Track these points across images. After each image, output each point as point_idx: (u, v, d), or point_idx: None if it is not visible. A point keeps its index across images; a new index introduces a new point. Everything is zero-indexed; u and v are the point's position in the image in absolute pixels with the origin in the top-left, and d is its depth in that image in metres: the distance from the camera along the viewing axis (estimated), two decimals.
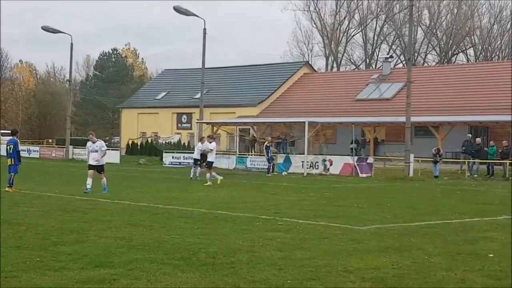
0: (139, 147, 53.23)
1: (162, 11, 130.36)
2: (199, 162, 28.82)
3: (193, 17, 39.81)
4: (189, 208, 16.08)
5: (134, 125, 59.19)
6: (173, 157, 42.54)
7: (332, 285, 7.90)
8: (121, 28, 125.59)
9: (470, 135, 35.54)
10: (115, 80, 79.09)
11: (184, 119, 56.69)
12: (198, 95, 44.82)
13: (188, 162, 40.52)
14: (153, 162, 43.88)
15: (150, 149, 51.29)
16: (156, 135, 55.77)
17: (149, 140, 54.41)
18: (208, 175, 25.34)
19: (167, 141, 52.75)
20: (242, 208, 16.31)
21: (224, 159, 39.68)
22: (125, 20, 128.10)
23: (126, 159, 46.61)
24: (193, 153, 40.63)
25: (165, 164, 41.81)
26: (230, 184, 25.72)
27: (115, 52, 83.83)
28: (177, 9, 39.20)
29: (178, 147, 49.58)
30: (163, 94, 60.50)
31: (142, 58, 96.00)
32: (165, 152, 43.99)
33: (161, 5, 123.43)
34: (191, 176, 28.69)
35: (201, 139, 30.21)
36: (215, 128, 47.32)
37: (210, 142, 26.90)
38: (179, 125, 57.20)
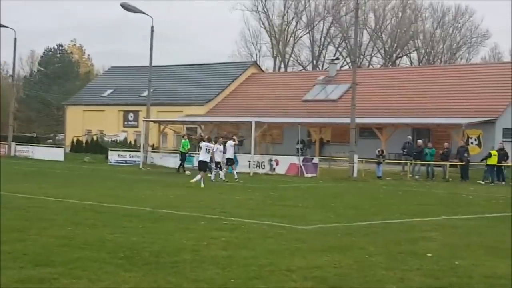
0: (84, 145, 52.50)
1: (110, 8, 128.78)
2: (220, 165, 27.94)
3: (142, 15, 39.49)
4: (134, 206, 15.98)
5: (79, 122, 58.34)
6: (118, 155, 42.11)
7: (274, 284, 7.99)
8: (68, 25, 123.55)
9: (410, 137, 36.29)
10: (60, 76, 77.70)
11: (131, 117, 56.18)
12: (145, 93, 44.49)
13: (134, 161, 40.24)
14: (98, 160, 43.35)
15: (95, 147, 50.64)
16: (102, 133, 55.10)
17: (95, 137, 53.72)
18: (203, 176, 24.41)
19: (113, 139, 52.17)
20: (187, 207, 16.29)
21: (171, 157, 39.50)
22: (73, 16, 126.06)
23: (71, 157, 45.92)
24: (139, 151, 40.67)
25: (110, 162, 41.37)
26: (176, 183, 25.63)
27: (60, 48, 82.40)
28: (124, 6, 38.81)
29: (124, 145, 49.10)
30: (109, 91, 59.81)
31: (89, 55, 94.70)
32: (111, 150, 43.51)
33: (110, 3, 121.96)
34: (213, 178, 27.84)
35: (217, 141, 29.61)
36: (162, 127, 47.07)
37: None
38: (125, 123, 56.64)
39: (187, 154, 34.56)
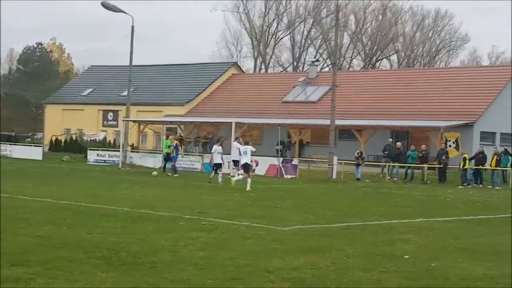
0: (62, 144, 52.12)
1: (91, 7, 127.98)
2: (217, 167, 27.46)
3: (122, 14, 39.31)
4: (112, 206, 15.92)
5: (58, 121, 57.89)
6: (98, 155, 41.85)
7: (252, 285, 8.00)
8: (48, 23, 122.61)
9: (391, 139, 36.49)
10: (40, 75, 77.10)
11: (111, 116, 55.88)
12: (125, 93, 44.27)
13: (113, 160, 40.02)
14: (77, 160, 43.07)
15: (74, 146, 50.28)
16: (81, 132, 54.74)
17: (74, 137, 53.35)
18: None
19: (92, 138, 51.86)
20: (166, 207, 16.25)
21: (150, 158, 39.34)
22: (53, 15, 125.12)
23: (49, 156, 45.57)
24: (118, 151, 40.47)
25: (89, 161, 41.12)
26: (155, 183, 25.57)
27: (40, 46, 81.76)
28: (105, 5, 38.62)
29: (103, 144, 48.80)
30: (89, 90, 59.43)
31: (68, 54, 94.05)
32: (90, 149, 43.26)
33: (90, 2, 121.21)
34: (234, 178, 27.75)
35: (236, 139, 29.40)
36: (141, 127, 46.87)
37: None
38: (105, 122, 56.32)
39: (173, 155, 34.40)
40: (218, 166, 27.32)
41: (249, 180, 23.61)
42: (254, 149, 25.50)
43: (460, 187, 30.05)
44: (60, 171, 32.02)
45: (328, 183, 30.41)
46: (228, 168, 29.20)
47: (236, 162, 28.10)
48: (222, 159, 27.51)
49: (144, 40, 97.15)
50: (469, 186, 30.26)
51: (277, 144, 39.82)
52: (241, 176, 24.34)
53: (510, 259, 10.27)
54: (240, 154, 25.52)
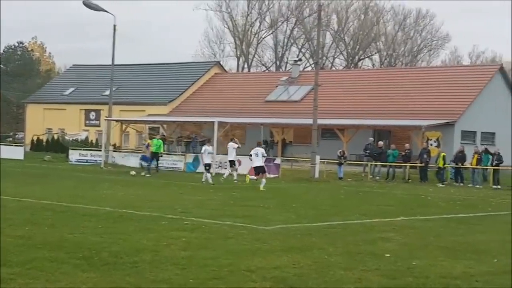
0: (44, 144, 51.80)
1: (72, 6, 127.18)
2: (208, 167, 27.44)
3: (104, 14, 39.13)
4: (94, 206, 15.86)
5: (40, 120, 57.51)
6: (79, 154, 41.67)
7: (234, 284, 8.02)
8: (29, 22, 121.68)
9: (372, 138, 36.65)
10: (21, 74, 76.52)
11: (93, 116, 55.62)
12: (107, 92, 44.08)
13: (95, 160, 39.84)
14: (58, 159, 42.84)
15: (56, 146, 49.99)
16: (63, 132, 54.42)
17: (55, 136, 53.02)
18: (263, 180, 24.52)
19: (74, 138, 51.57)
20: (148, 207, 16.22)
21: (132, 157, 39.19)
22: (34, 14, 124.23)
23: (30, 156, 45.28)
24: (100, 150, 40.27)
25: (71, 161, 40.91)
26: (138, 183, 25.50)
27: (21, 45, 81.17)
28: (87, 4, 38.42)
29: (85, 144, 48.56)
30: (71, 90, 59.10)
31: (50, 53, 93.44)
32: (72, 149, 43.04)
33: (72, 1, 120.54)
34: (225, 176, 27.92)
35: (232, 139, 29.66)
36: (124, 126, 46.70)
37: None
38: (87, 122, 56.05)
39: (160, 155, 34.33)
40: (208, 166, 27.34)
41: (263, 180, 24.20)
42: (264, 152, 25.75)
43: (441, 185, 30.26)
44: (42, 171, 31.82)
45: (311, 182, 30.49)
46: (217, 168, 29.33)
47: (232, 163, 28.32)
48: (212, 159, 27.77)
49: (127, 39, 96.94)
50: (443, 185, 30.33)
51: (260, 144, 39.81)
52: (254, 177, 25.02)
53: (489, 257, 10.39)
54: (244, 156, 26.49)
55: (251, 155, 25.26)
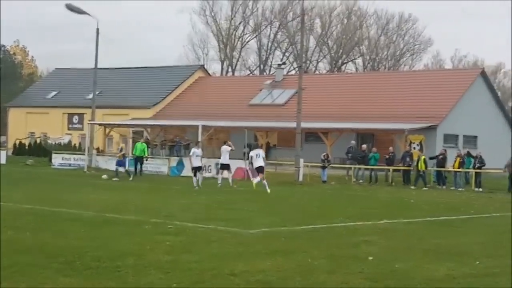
0: (27, 148, 51.46)
1: (55, 9, 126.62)
2: (196, 171, 26.47)
3: (88, 17, 38.97)
4: (77, 210, 15.77)
5: (22, 124, 57.15)
6: (62, 158, 41.43)
7: None
8: (11, 25, 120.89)
9: (353, 141, 36.79)
10: (3, 77, 76.00)
11: (76, 119, 55.36)
12: (91, 96, 43.90)
13: (79, 164, 39.61)
14: (41, 163, 42.57)
15: (38, 150, 49.69)
16: (46, 136, 54.09)
17: (38, 140, 52.69)
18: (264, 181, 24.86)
19: (57, 142, 51.28)
20: (132, 211, 16.16)
21: (116, 161, 38.96)
22: (16, 16, 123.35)
23: (13, 160, 44.94)
24: (84, 154, 40.06)
25: (54, 165, 40.67)
26: (122, 187, 25.39)
27: (2, 48, 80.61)
28: (69, 7, 38.24)
29: (68, 148, 48.28)
30: (53, 93, 58.79)
31: (32, 56, 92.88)
32: (54, 153, 42.78)
33: (54, 3, 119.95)
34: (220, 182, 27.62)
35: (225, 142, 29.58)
36: (107, 130, 46.51)
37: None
38: (70, 125, 55.79)
39: (145, 159, 34.23)
40: (197, 169, 26.58)
41: (265, 182, 24.52)
42: (263, 153, 26.60)
43: (424, 188, 30.38)
44: (24, 175, 31.58)
45: (295, 185, 30.52)
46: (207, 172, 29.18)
47: (226, 166, 28.24)
48: (201, 161, 27.00)
49: (110, 43, 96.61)
50: (414, 187, 30.40)
51: (244, 147, 39.84)
52: (258, 179, 25.21)
53: (471, 260, 10.46)
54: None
55: (251, 157, 25.75)
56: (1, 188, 20.09)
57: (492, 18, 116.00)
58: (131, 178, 30.65)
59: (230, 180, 27.86)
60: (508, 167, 30.28)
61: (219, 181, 27.72)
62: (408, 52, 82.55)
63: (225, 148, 28.54)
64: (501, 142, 43.07)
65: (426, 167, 31.45)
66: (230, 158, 28.80)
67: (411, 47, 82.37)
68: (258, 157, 25.42)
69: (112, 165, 38.24)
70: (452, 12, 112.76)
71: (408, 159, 32.33)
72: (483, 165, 31.07)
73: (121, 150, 33.11)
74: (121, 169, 31.86)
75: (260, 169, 25.40)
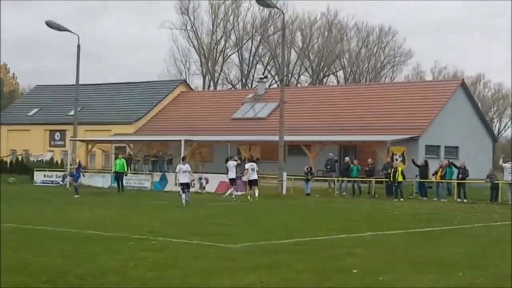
0: (8, 165, 51.04)
1: (35, 26, 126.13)
2: (184, 187, 25.29)
3: (69, 33, 38.90)
4: (60, 228, 15.67)
5: (4, 142, 56.70)
6: (45, 176, 41.18)
7: None
8: None
9: (331, 154, 36.92)
10: None
11: (57, 136, 55.03)
12: (72, 112, 43.72)
13: (60, 181, 39.32)
14: (23, 181, 42.25)
15: (20, 167, 49.29)
16: (27, 153, 53.71)
17: (19, 157, 52.31)
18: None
19: (39, 159, 50.93)
20: (115, 227, 16.08)
21: (98, 177, 38.85)
22: None
23: None
24: (65, 170, 39.84)
25: (36, 182, 40.39)
26: (104, 203, 25.26)
27: None
28: (50, 24, 38.17)
29: (51, 165, 47.96)
30: (35, 110, 58.46)
31: (13, 73, 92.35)
32: (36, 170, 42.48)
33: (35, 20, 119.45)
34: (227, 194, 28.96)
35: (231, 158, 30.83)
36: (89, 146, 46.28)
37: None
38: (52, 142, 55.43)
39: (125, 174, 34.15)
40: (185, 185, 25.19)
41: (257, 191, 27.89)
42: (257, 167, 29.46)
43: (401, 199, 30.34)
44: (6, 193, 31.31)
45: (278, 199, 30.53)
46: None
47: (233, 181, 28.81)
48: (189, 177, 25.67)
49: (91, 59, 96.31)
50: (396, 200, 30.47)
51: (227, 161, 39.81)
52: (256, 192, 28.11)
53: (455, 271, 10.52)
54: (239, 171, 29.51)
55: (247, 169, 28.40)
56: None
57: (473, 29, 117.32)
58: (77, 195, 29.24)
59: (228, 193, 28.32)
60: (489, 177, 30.50)
61: (233, 196, 29.01)
62: (389, 64, 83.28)
63: (232, 163, 29.17)
64: (482, 153, 43.43)
65: (403, 178, 31.45)
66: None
67: (391, 59, 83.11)
68: (253, 170, 27.71)
69: (94, 181, 38.20)
70: (430, 24, 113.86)
71: (389, 170, 32.41)
72: (467, 176, 31.12)
73: (76, 163, 32.58)
74: (74, 183, 30.98)
75: (254, 182, 27.68)
